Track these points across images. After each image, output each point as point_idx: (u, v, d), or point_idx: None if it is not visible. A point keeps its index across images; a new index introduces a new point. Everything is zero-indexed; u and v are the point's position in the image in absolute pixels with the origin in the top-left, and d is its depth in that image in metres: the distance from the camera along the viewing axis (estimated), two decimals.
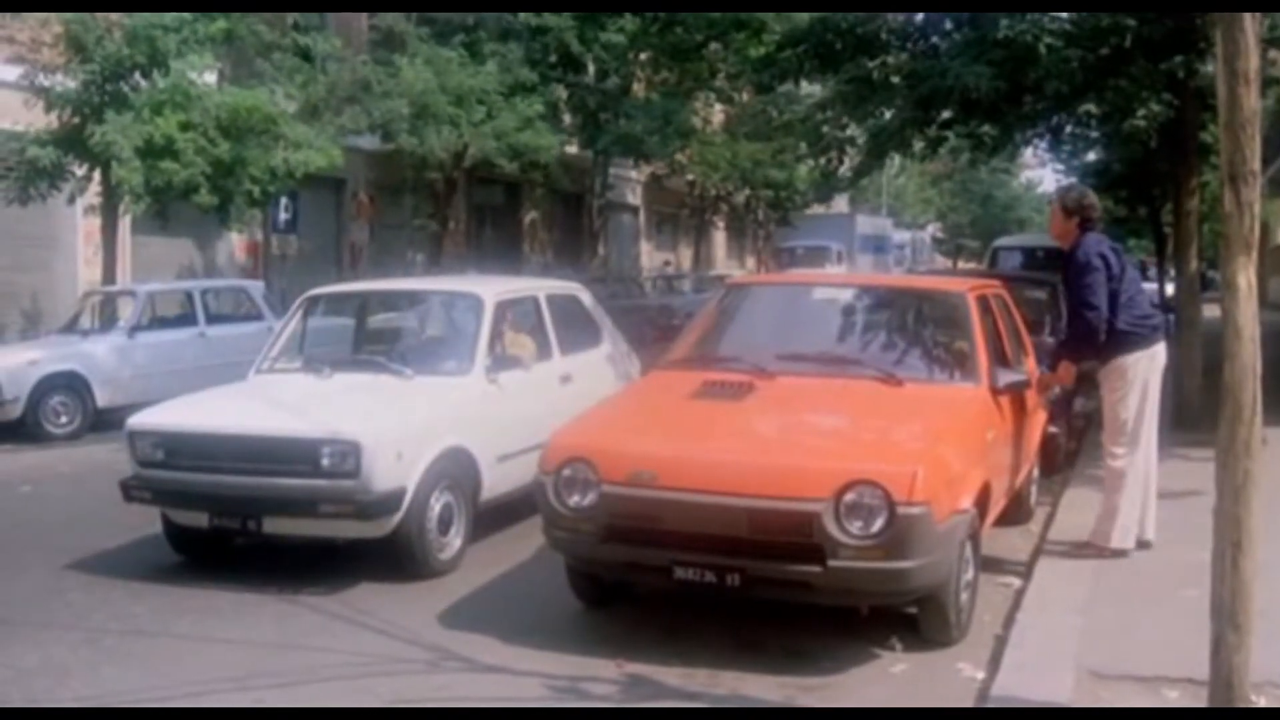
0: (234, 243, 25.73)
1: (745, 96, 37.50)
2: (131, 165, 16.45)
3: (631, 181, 42.62)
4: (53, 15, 17.41)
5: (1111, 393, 8.40)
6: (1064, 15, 12.41)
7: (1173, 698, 5.73)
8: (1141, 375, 8.34)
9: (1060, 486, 10.70)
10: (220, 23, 18.16)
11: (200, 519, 8.65)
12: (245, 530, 8.53)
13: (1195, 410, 12.95)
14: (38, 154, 16.95)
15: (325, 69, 22.49)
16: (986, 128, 14.98)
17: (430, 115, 24.48)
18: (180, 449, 8.62)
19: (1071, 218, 8.58)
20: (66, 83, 17.10)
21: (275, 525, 8.38)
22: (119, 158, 16.37)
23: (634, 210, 44.99)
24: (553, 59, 29.27)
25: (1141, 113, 12.66)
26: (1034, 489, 10.06)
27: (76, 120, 17.18)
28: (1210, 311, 9.96)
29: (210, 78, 18.71)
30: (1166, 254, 27.61)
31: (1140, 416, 8.35)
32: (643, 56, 32.82)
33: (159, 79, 17.22)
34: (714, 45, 32.29)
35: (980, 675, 6.40)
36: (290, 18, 24.36)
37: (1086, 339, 8.35)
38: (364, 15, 28.16)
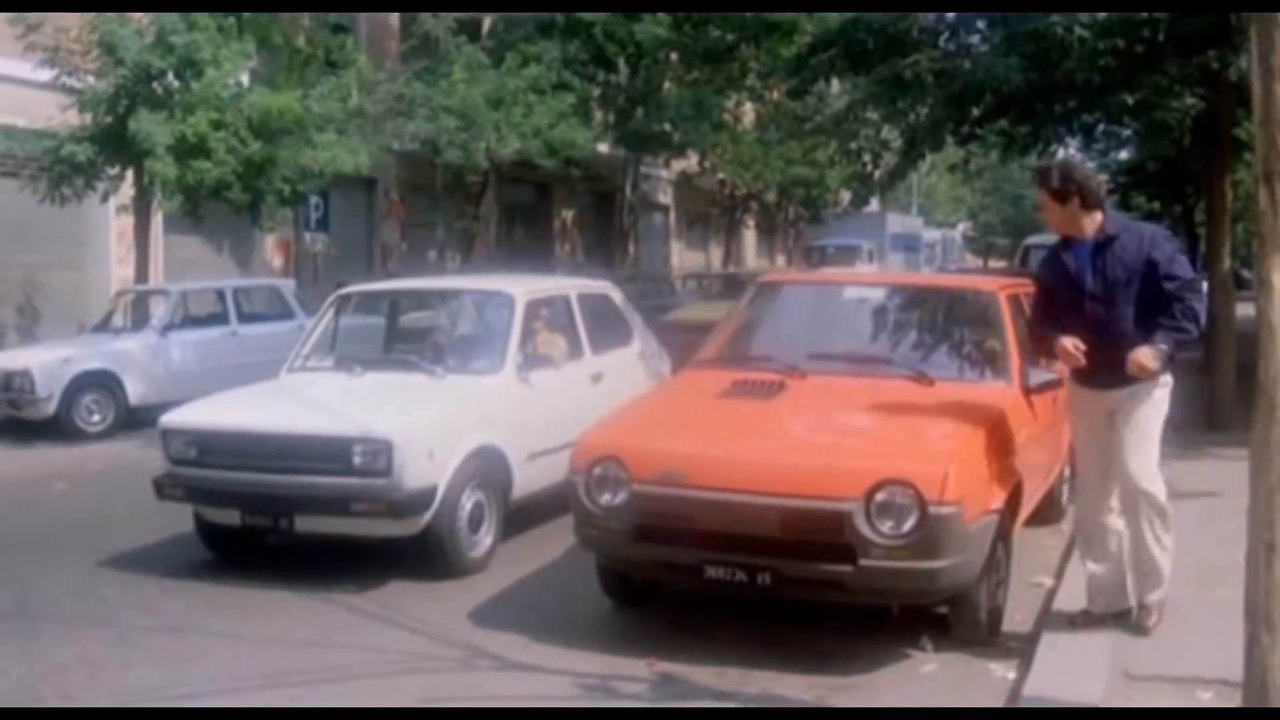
0: (266, 242, 25.83)
1: (776, 95, 37.45)
2: (165, 160, 16.53)
3: (662, 180, 42.61)
4: (83, 18, 17.46)
5: (1154, 415, 6.74)
6: (1099, 15, 12.33)
7: (1206, 699, 5.70)
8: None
9: None
10: (249, 41, 18.29)
11: (232, 517, 8.69)
12: (277, 528, 8.57)
13: (1228, 410, 12.89)
14: (73, 150, 17.04)
15: (357, 79, 22.55)
16: (1018, 126, 14.94)
17: (474, 126, 24.61)
18: (213, 447, 8.66)
19: (1070, 199, 6.71)
20: (97, 85, 17.17)
21: (307, 523, 8.41)
22: (153, 152, 16.45)
23: (664, 209, 44.99)
24: (584, 57, 29.28)
25: (1175, 106, 12.59)
26: (1066, 489, 10.01)
27: (110, 120, 17.26)
28: (1244, 310, 9.87)
29: (243, 78, 18.79)
30: (1199, 252, 27.48)
31: None
32: (674, 56, 32.79)
33: (192, 83, 17.29)
34: (745, 46, 32.25)
35: (1012, 675, 6.38)
36: (322, 20, 24.44)
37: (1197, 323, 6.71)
38: (395, 21, 28.26)
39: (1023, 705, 5.78)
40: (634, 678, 6.47)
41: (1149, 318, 6.55)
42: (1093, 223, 6.72)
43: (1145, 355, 6.35)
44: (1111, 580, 6.90)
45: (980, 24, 14.54)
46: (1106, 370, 6.53)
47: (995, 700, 6.11)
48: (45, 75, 17.28)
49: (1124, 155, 26.51)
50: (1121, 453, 6.65)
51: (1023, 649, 6.76)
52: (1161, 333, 6.44)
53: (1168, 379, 6.72)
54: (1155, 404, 6.69)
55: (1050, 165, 7.17)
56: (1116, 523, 6.89)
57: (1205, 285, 6.40)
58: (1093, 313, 6.68)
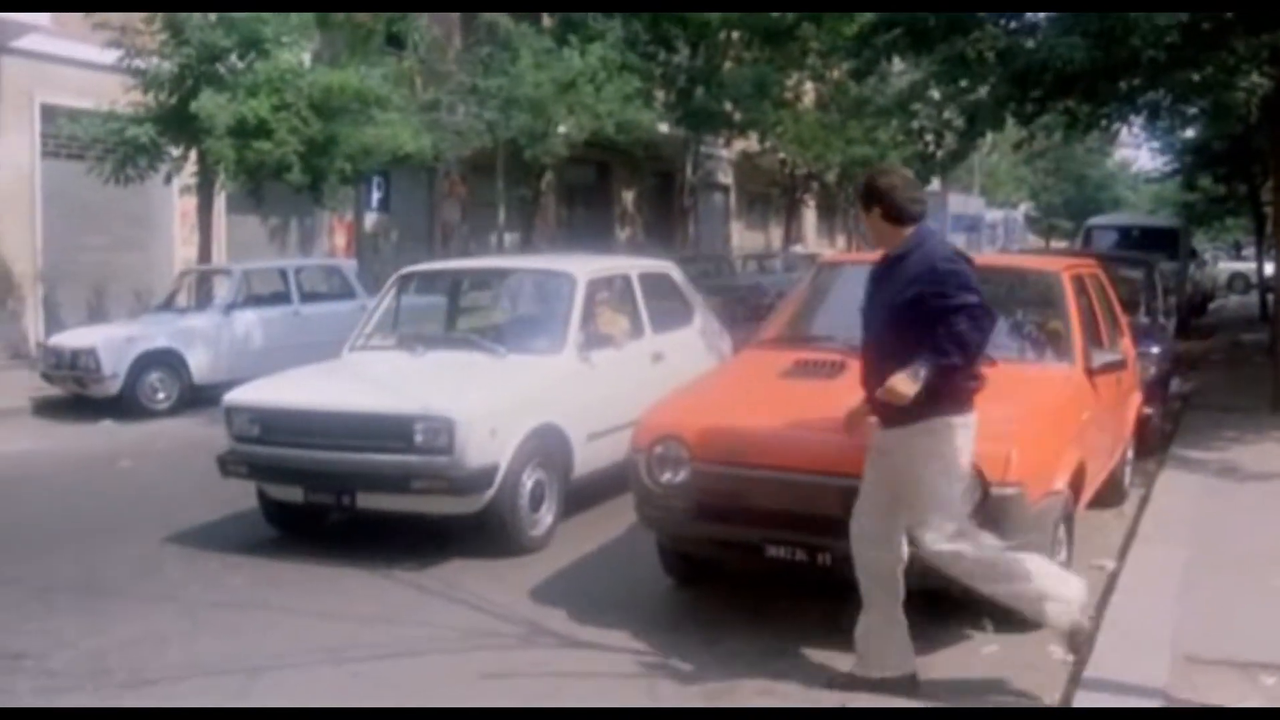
0: (327, 221, 25.99)
1: (836, 74, 37.26)
2: (225, 141, 16.66)
3: (722, 160, 42.50)
4: None
5: (936, 464, 5.88)
6: None
7: (1269, 684, 5.66)
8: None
9: (1155, 468, 10.58)
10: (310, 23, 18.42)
11: (295, 494, 8.78)
12: (339, 505, 8.66)
13: None
14: (136, 132, 17.19)
15: (420, 56, 22.65)
16: (1082, 105, 14.81)
17: (545, 114, 24.78)
18: (276, 425, 8.74)
19: (872, 210, 6.11)
20: (163, 65, 17.32)
21: (369, 501, 8.49)
22: (214, 132, 16.58)
23: (725, 189, 44.87)
24: (646, 37, 29.29)
25: (1242, 85, 12.44)
26: (1128, 471, 9.96)
27: (173, 101, 17.41)
28: None
29: (305, 58, 18.90)
30: (1266, 233, 27.18)
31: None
32: (734, 35, 32.72)
33: (255, 63, 17.42)
34: (805, 26, 32.09)
35: (1072, 658, 6.35)
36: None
37: (975, 361, 5.94)
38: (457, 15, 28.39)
39: (1083, 688, 5.75)
40: (693, 656, 6.49)
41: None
42: (896, 238, 6.06)
43: (897, 379, 5.63)
44: (880, 638, 6.12)
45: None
46: (879, 405, 5.92)
47: (1055, 682, 6.08)
48: (111, 57, 17.45)
49: (1189, 134, 26.19)
50: (907, 511, 5.97)
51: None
52: (920, 358, 5.66)
53: (953, 420, 5.85)
54: (934, 449, 5.84)
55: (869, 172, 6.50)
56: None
57: (980, 313, 5.57)
58: (867, 338, 6.15)
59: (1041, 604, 5.97)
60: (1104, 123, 15.83)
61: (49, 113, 19.91)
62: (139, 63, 17.45)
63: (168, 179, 18.60)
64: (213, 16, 17.26)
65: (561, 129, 25.50)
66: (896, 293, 5.90)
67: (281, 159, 17.23)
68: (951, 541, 5.84)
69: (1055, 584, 6.01)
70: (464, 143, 24.56)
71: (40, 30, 18.68)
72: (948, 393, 5.78)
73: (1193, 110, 17.62)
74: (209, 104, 16.57)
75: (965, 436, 5.88)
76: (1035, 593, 5.94)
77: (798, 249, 40.05)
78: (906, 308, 5.81)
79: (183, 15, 17.18)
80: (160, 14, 17.33)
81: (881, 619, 6.07)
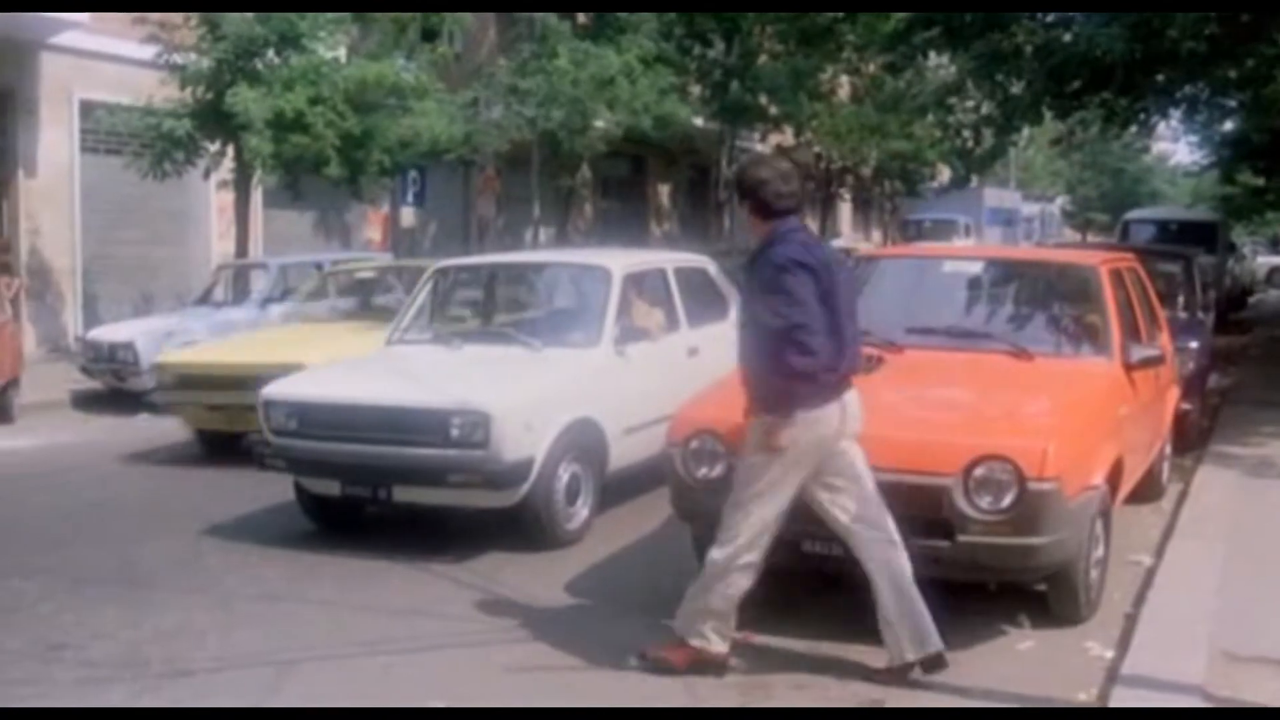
0: (364, 216, 26.08)
1: (872, 69, 37.16)
2: (262, 134, 16.74)
3: (758, 154, 42.49)
4: None
5: (752, 453, 6.04)
6: None
7: None
8: (804, 446, 5.92)
9: (1193, 464, 10.52)
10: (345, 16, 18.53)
11: (332, 487, 8.81)
12: (376, 499, 8.68)
13: None
14: (173, 126, 17.29)
15: (453, 46, 22.78)
16: (1119, 99, 14.74)
17: (584, 110, 24.86)
18: (313, 418, 8.77)
19: (743, 203, 6.23)
20: (200, 61, 17.41)
21: (405, 494, 8.52)
22: (250, 126, 16.67)
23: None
24: (680, 31, 29.31)
25: None
26: (1166, 466, 9.91)
27: (210, 95, 17.51)
28: None
29: (340, 52, 18.99)
30: None
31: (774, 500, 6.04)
32: (769, 29, 32.67)
33: (292, 57, 17.50)
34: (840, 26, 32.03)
35: (1109, 654, 6.33)
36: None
37: (810, 372, 5.75)
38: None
39: (1120, 684, 5.72)
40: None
41: None
42: (761, 231, 6.10)
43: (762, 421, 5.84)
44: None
45: None
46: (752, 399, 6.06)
47: (1092, 678, 6.06)
48: (148, 53, 17.57)
49: (1228, 127, 26.04)
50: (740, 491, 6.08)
51: (1121, 627, 6.70)
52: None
53: (786, 425, 5.80)
54: (755, 457, 5.97)
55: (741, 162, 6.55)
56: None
57: (793, 337, 5.57)
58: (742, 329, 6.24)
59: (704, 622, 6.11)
60: (1142, 116, 15.75)
61: (87, 108, 20.08)
62: (176, 58, 17.55)
63: (206, 174, 18.71)
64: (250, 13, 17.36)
65: (599, 123, 25.56)
66: (752, 290, 6.01)
67: (319, 152, 17.30)
68: (719, 548, 6.11)
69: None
70: (502, 135, 24.63)
71: (79, 27, 18.80)
72: (804, 392, 5.79)
73: (1231, 103, 17.54)
74: (245, 98, 16.65)
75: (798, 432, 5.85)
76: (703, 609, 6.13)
77: (839, 243, 40.00)
78: (755, 306, 5.95)
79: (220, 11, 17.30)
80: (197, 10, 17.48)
81: (892, 605, 6.02)
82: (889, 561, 6.03)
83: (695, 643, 6.14)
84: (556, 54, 24.84)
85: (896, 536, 6.05)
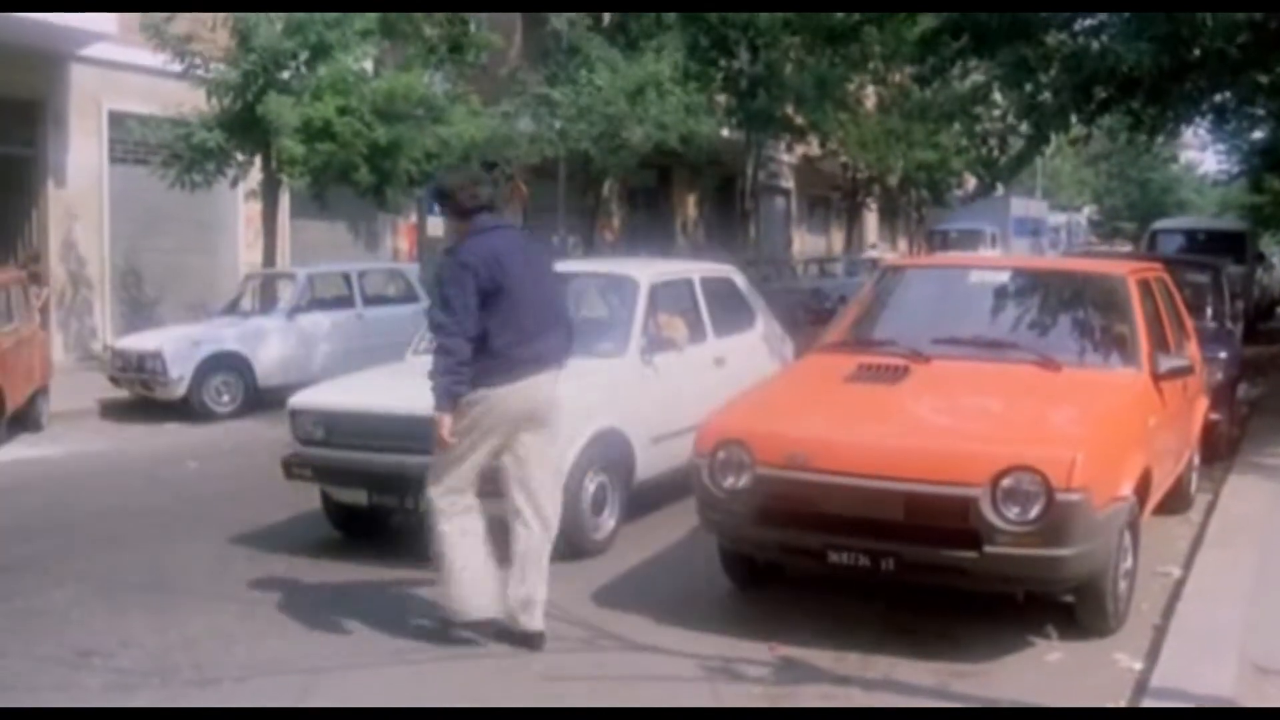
0: (391, 226, 26.15)
1: (899, 78, 37.14)
2: (294, 138, 16.84)
3: (783, 164, 42.47)
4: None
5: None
6: None
7: None
8: (489, 418, 6.64)
9: (1222, 474, 10.48)
10: (373, 29, 18.59)
11: (359, 496, 8.81)
12: (403, 507, 8.67)
13: None
14: (205, 137, 17.39)
15: (480, 61, 22.88)
16: (1147, 108, 14.69)
17: (615, 123, 24.97)
18: (340, 427, 8.78)
19: (444, 208, 6.98)
20: (229, 73, 17.50)
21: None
22: (282, 132, 16.76)
23: (786, 193, 44.86)
24: (706, 43, 29.37)
25: None
26: (1195, 477, 9.87)
27: (239, 106, 17.59)
28: None
29: (368, 64, 19.07)
30: None
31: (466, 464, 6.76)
32: (795, 39, 32.66)
33: (320, 69, 17.58)
34: (867, 29, 32.01)
35: (1138, 666, 6.31)
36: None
37: (445, 369, 6.49)
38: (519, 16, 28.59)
39: (1149, 697, 5.71)
40: (755, 660, 6.49)
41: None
42: (458, 231, 6.84)
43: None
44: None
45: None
46: None
47: (1121, 690, 6.04)
48: (177, 63, 17.66)
49: (1257, 135, 25.95)
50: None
51: (1150, 639, 6.68)
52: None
53: (477, 394, 6.58)
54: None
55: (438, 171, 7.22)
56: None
57: (442, 338, 6.56)
58: None
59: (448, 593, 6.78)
60: (1169, 125, 15.70)
61: (116, 119, 20.18)
62: (203, 72, 17.65)
63: (234, 182, 18.78)
64: (279, 24, 17.42)
65: (630, 137, 25.60)
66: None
67: (347, 160, 17.38)
68: (439, 498, 6.77)
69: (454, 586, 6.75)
70: (533, 150, 24.69)
71: (107, 38, 18.91)
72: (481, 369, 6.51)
73: (1260, 111, 17.47)
74: (276, 105, 16.74)
75: (484, 409, 6.58)
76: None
77: (873, 253, 39.98)
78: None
79: (250, 22, 17.36)
80: (225, 20, 17.54)
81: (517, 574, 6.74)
82: (529, 540, 6.78)
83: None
84: (590, 65, 24.94)
85: (553, 524, 6.88)
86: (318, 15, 17.41)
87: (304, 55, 17.61)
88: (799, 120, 33.99)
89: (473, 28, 23.88)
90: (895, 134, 38.86)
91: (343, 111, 17.36)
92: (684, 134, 26.37)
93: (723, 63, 31.23)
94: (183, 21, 17.70)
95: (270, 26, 17.39)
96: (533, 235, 6.95)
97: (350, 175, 17.76)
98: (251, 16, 17.38)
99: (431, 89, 18.76)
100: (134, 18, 18.14)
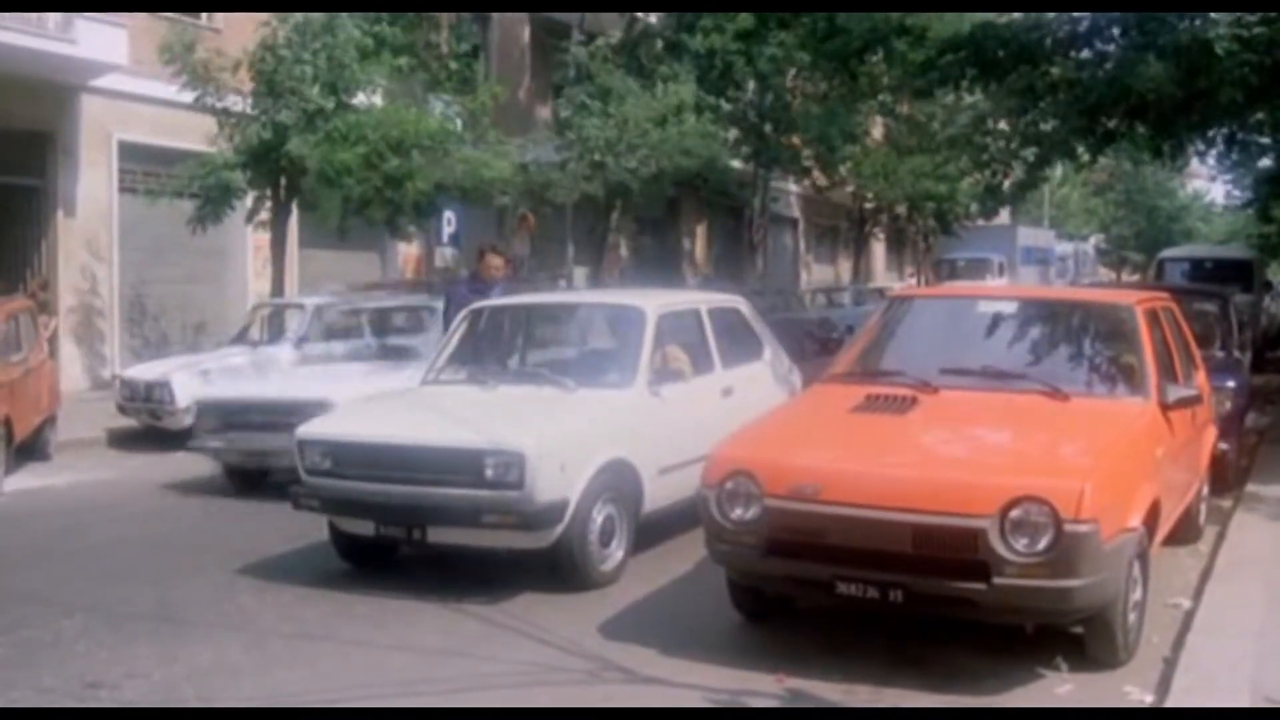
0: (399, 255, 26.21)
1: (906, 108, 37.20)
2: (320, 182, 17.08)
3: (791, 194, 42.53)
4: (237, 48, 18.10)
5: None
6: (1247, 15, 12.01)
7: None
8: None
9: (1231, 505, 10.44)
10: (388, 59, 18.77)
11: (366, 527, 8.81)
12: (410, 539, 8.67)
13: None
14: (231, 178, 17.56)
15: (488, 92, 23.02)
16: (1156, 137, 14.70)
17: (633, 152, 25.12)
18: (347, 458, 8.78)
19: None
20: (253, 125, 17.70)
21: (439, 534, 8.50)
22: (307, 174, 16.99)
23: (793, 223, 44.92)
24: (715, 75, 29.49)
25: None
26: (1204, 507, 9.83)
27: (257, 143, 17.75)
28: None
29: (377, 98, 19.23)
30: None
31: None
32: (801, 70, 32.73)
33: (345, 114, 17.83)
34: (874, 56, 32.07)
35: (1148, 698, 6.28)
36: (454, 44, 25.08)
37: None
38: (526, 40, 28.73)
39: None
40: (763, 692, 6.46)
41: None
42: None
43: None
44: None
45: (1115, 30, 14.30)
46: None
47: None
48: (187, 95, 17.79)
49: (1265, 164, 25.97)
50: None
51: (1160, 671, 6.65)
52: None
53: None
54: None
55: None
56: None
57: None
58: None
59: None
60: (1177, 154, 15.71)
61: (126, 149, 20.30)
62: (215, 101, 17.78)
63: (249, 218, 18.96)
64: (308, 66, 17.61)
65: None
66: None
67: (362, 195, 17.54)
68: None
69: None
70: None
71: (119, 70, 19.01)
72: None
73: (1267, 140, 17.48)
74: (301, 148, 16.92)
75: None
76: None
77: (910, 281, 40.05)
78: None
79: (270, 66, 17.53)
80: (247, 62, 17.74)
81: None
82: None
83: None
84: (606, 96, 25.06)
85: None
86: (348, 58, 17.64)
87: (332, 104, 17.79)
88: (806, 154, 34.06)
89: (481, 65, 24.12)
90: (901, 160, 38.91)
91: (364, 156, 17.55)
92: (706, 160, 26.51)
93: (731, 92, 31.28)
94: (200, 48, 17.88)
95: (290, 68, 17.57)
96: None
97: (366, 209, 17.93)
98: (277, 55, 17.60)
99: (448, 121, 18.92)
100: (145, 48, 18.26)
